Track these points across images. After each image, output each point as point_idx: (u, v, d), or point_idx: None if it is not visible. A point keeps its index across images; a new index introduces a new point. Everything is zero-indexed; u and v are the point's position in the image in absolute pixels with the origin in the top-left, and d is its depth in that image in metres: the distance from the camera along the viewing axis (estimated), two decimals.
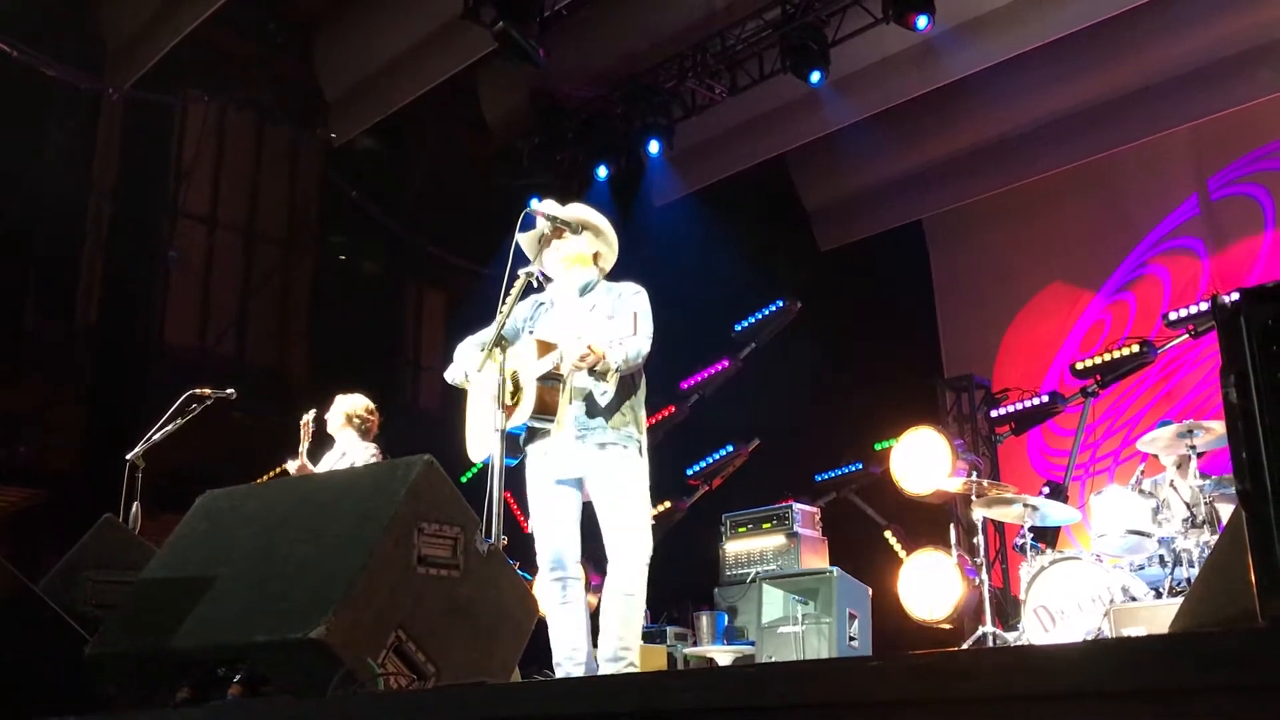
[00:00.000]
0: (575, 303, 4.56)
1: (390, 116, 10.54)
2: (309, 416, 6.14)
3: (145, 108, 10.30)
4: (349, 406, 6.29)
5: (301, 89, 10.91)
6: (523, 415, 4.26)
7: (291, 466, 6.10)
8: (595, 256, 4.61)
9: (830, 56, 8.91)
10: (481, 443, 4.38)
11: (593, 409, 4.32)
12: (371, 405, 6.38)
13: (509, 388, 4.23)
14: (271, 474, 7.35)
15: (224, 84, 10.80)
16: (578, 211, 4.65)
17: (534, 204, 4.73)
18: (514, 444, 4.39)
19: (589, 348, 4.15)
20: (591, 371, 4.25)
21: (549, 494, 4.40)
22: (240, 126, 11.39)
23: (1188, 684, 1.49)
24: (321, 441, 6.31)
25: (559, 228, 4.55)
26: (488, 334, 4.41)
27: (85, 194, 10.31)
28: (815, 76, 8.93)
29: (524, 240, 4.63)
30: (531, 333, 4.51)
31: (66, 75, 9.68)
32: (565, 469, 4.36)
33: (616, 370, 4.21)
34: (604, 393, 4.30)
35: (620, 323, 4.28)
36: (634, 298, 4.48)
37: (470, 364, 4.44)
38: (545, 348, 4.28)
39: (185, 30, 9.26)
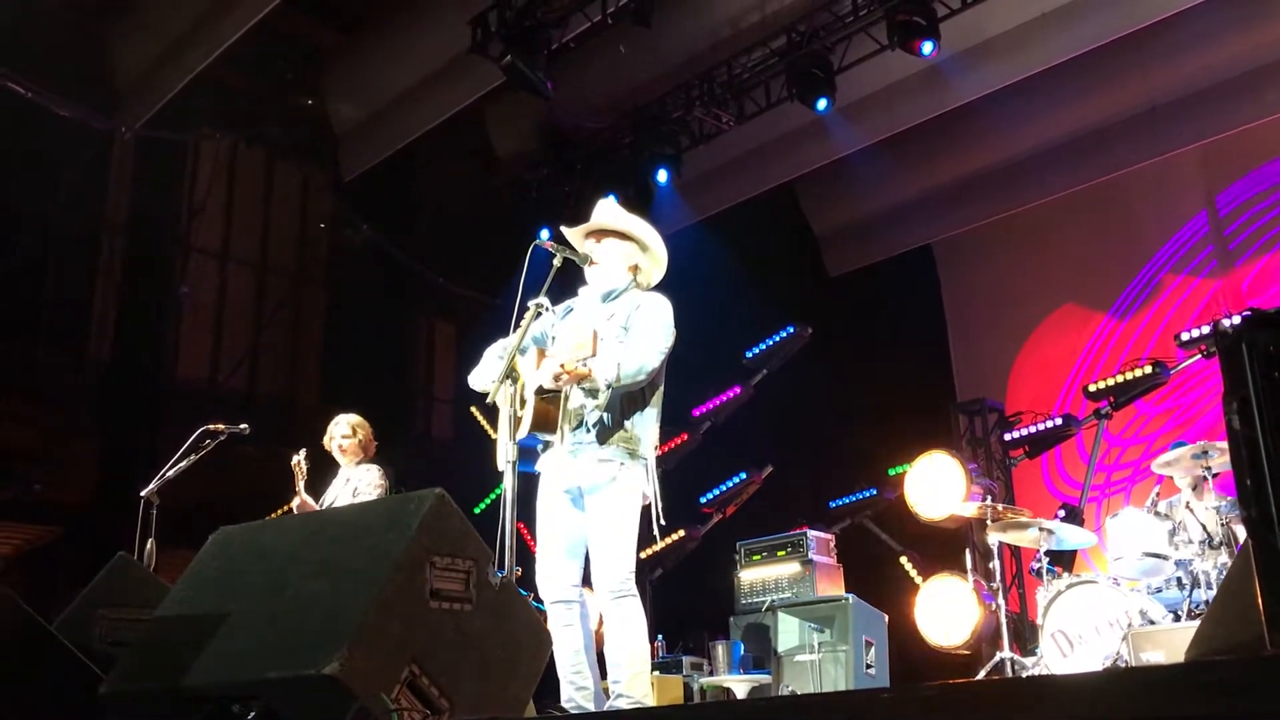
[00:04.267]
0: (596, 309, 4.44)
1: (399, 150, 10.60)
2: (299, 457, 6.11)
3: (157, 146, 10.40)
4: (344, 431, 6.28)
5: (311, 124, 11.00)
6: (523, 430, 4.21)
7: (294, 506, 6.09)
8: (634, 269, 4.49)
9: (836, 83, 8.94)
10: (502, 455, 4.25)
11: (588, 424, 4.21)
12: (365, 423, 6.34)
13: (519, 406, 4.20)
14: (278, 514, 7.35)
15: (234, 121, 10.89)
16: (626, 221, 4.52)
17: (600, 204, 4.63)
18: (532, 454, 4.36)
19: (561, 365, 4.07)
20: (585, 387, 4.17)
21: (551, 508, 4.31)
22: (251, 162, 11.47)
23: (1200, 712, 1.49)
24: (325, 469, 6.30)
25: (597, 232, 4.49)
26: (509, 341, 4.32)
27: (98, 231, 10.40)
28: (822, 104, 8.96)
29: (571, 234, 4.53)
30: (554, 339, 4.44)
31: (79, 115, 9.78)
32: (567, 482, 4.27)
33: (608, 386, 4.12)
34: (592, 409, 4.20)
35: (634, 334, 4.24)
36: (651, 310, 4.35)
37: (487, 380, 4.36)
38: (544, 360, 4.26)
39: (196, 69, 9.36)
